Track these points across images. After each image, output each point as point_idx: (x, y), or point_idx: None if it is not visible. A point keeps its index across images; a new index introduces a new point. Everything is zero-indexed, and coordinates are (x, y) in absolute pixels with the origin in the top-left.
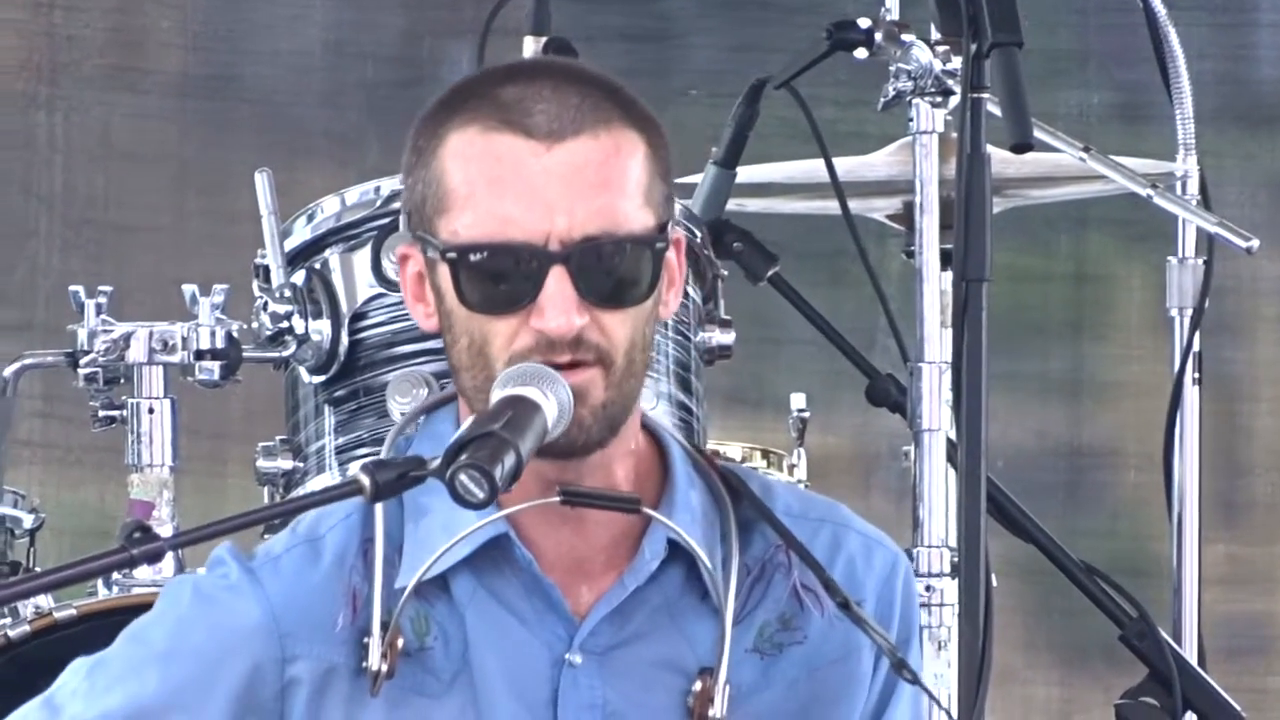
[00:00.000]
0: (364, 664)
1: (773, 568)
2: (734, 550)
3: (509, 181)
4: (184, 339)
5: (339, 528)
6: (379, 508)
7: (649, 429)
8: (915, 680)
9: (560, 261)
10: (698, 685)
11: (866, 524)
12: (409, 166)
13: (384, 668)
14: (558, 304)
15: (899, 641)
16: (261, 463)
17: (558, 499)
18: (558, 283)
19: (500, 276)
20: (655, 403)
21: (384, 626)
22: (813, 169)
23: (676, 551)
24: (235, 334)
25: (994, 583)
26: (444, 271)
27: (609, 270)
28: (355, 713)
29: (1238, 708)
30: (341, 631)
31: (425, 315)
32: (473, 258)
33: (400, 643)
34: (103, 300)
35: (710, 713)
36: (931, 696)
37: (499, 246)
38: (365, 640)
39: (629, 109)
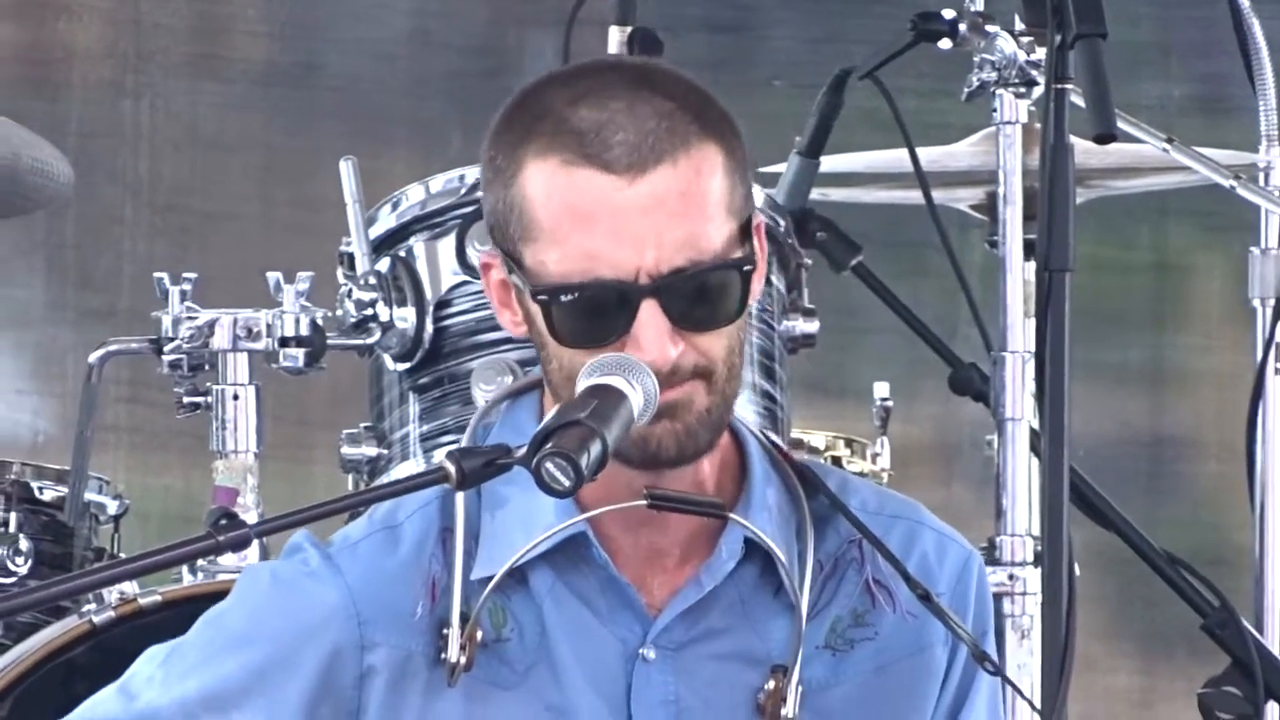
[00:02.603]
0: (442, 655)
1: (846, 563)
2: (809, 546)
3: (594, 219)
4: (268, 326)
5: (417, 516)
6: (460, 497)
7: (728, 424)
8: (997, 671)
9: (651, 294)
10: (770, 684)
11: (941, 522)
12: (487, 181)
13: (463, 659)
14: (652, 337)
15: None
16: (346, 449)
17: (644, 503)
18: (650, 315)
19: (592, 313)
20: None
21: (463, 618)
22: (896, 159)
23: (752, 548)
24: (319, 321)
25: (1076, 572)
26: (530, 300)
27: (699, 298)
28: (432, 703)
29: None
30: (420, 620)
31: (513, 323)
32: (564, 298)
33: (479, 635)
34: (187, 287)
35: (783, 712)
36: (1014, 687)
37: (589, 285)
38: (444, 631)
39: (703, 118)
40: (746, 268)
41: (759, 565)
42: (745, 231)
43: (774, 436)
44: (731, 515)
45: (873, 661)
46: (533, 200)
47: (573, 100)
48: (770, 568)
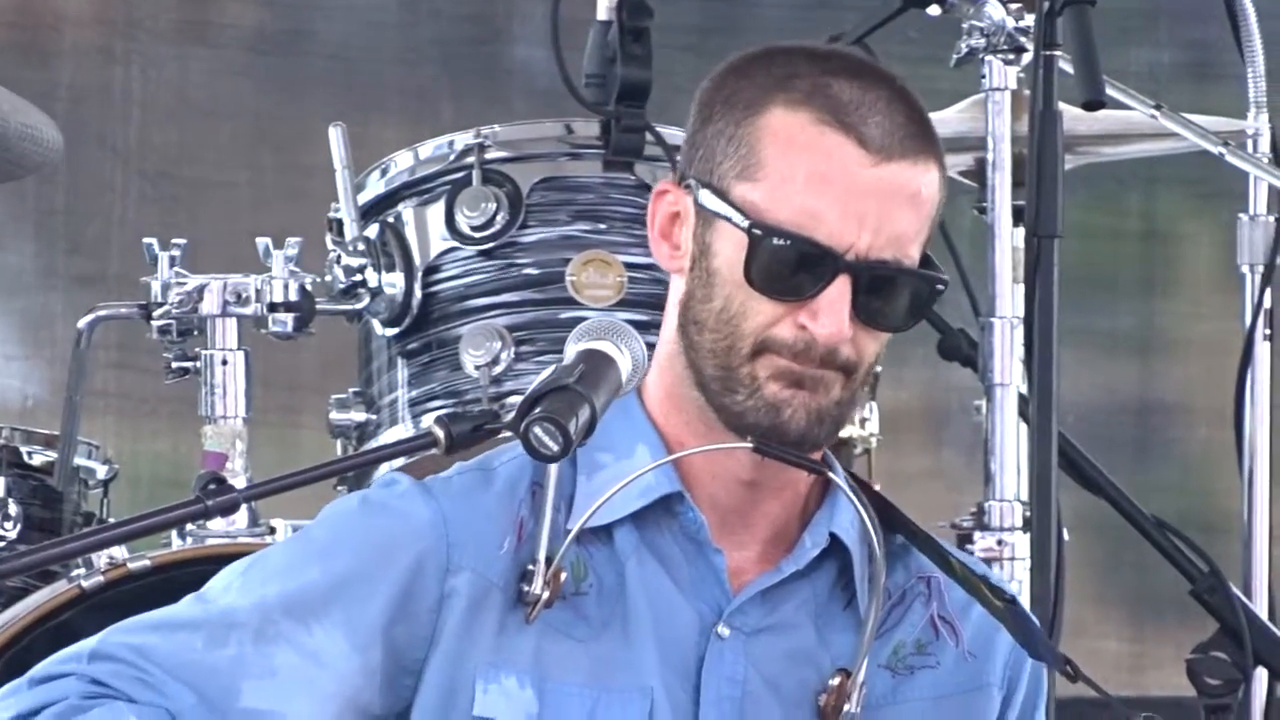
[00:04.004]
0: (524, 590)
1: (913, 595)
2: (881, 565)
3: (831, 183)
4: (257, 291)
5: (511, 464)
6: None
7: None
8: (1079, 675)
9: (850, 272)
10: (835, 680)
11: (1003, 579)
12: (707, 115)
13: (545, 595)
14: (836, 311)
15: (1029, 698)
16: (335, 415)
17: (749, 445)
18: (840, 292)
19: (794, 266)
20: None
21: (547, 561)
22: None
23: (831, 552)
24: (309, 287)
25: (1065, 537)
26: (729, 233)
27: (888, 295)
28: (505, 639)
29: None
30: (505, 555)
31: (670, 256)
32: (775, 241)
33: (562, 578)
34: (176, 253)
35: (845, 708)
36: (1096, 687)
37: (804, 241)
38: (529, 568)
39: (936, 139)
40: (939, 286)
41: (835, 571)
42: (925, 260)
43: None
44: (831, 474)
45: (931, 690)
46: (769, 143)
47: (830, 72)
48: (845, 577)
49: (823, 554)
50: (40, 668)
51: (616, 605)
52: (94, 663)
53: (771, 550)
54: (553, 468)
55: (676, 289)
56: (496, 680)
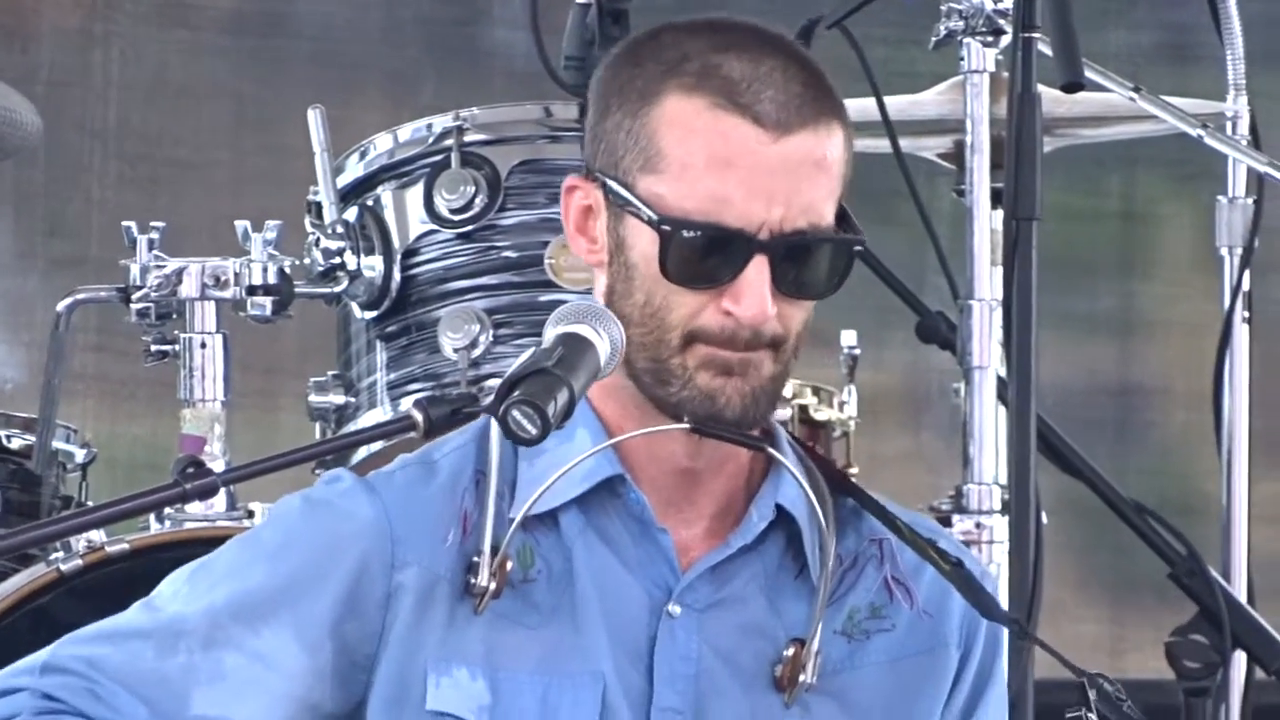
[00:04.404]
0: (471, 581)
1: (865, 559)
2: (831, 531)
3: (733, 166)
4: (236, 274)
5: (453, 454)
6: (494, 439)
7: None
8: (1037, 641)
9: (765, 251)
10: (789, 651)
11: (954, 538)
12: (604, 108)
13: (491, 586)
14: (756, 291)
15: (986, 654)
16: (313, 398)
17: (686, 426)
18: (758, 272)
19: (707, 255)
20: None
21: (493, 551)
22: (864, 108)
23: (779, 523)
24: (287, 270)
25: (1044, 520)
26: (640, 228)
27: (807, 264)
28: (455, 631)
29: None
30: (450, 548)
31: (588, 250)
32: (685, 233)
33: (508, 567)
34: (155, 236)
35: (801, 678)
36: (1051, 651)
37: (713, 227)
38: (474, 560)
39: (834, 98)
40: (857, 247)
41: (784, 541)
42: (841, 215)
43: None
44: (771, 450)
45: (887, 653)
46: (667, 135)
47: (720, 48)
48: (794, 546)
49: (771, 525)
50: None
51: (565, 590)
52: (45, 676)
53: (718, 524)
54: (494, 455)
55: (599, 283)
56: (448, 673)
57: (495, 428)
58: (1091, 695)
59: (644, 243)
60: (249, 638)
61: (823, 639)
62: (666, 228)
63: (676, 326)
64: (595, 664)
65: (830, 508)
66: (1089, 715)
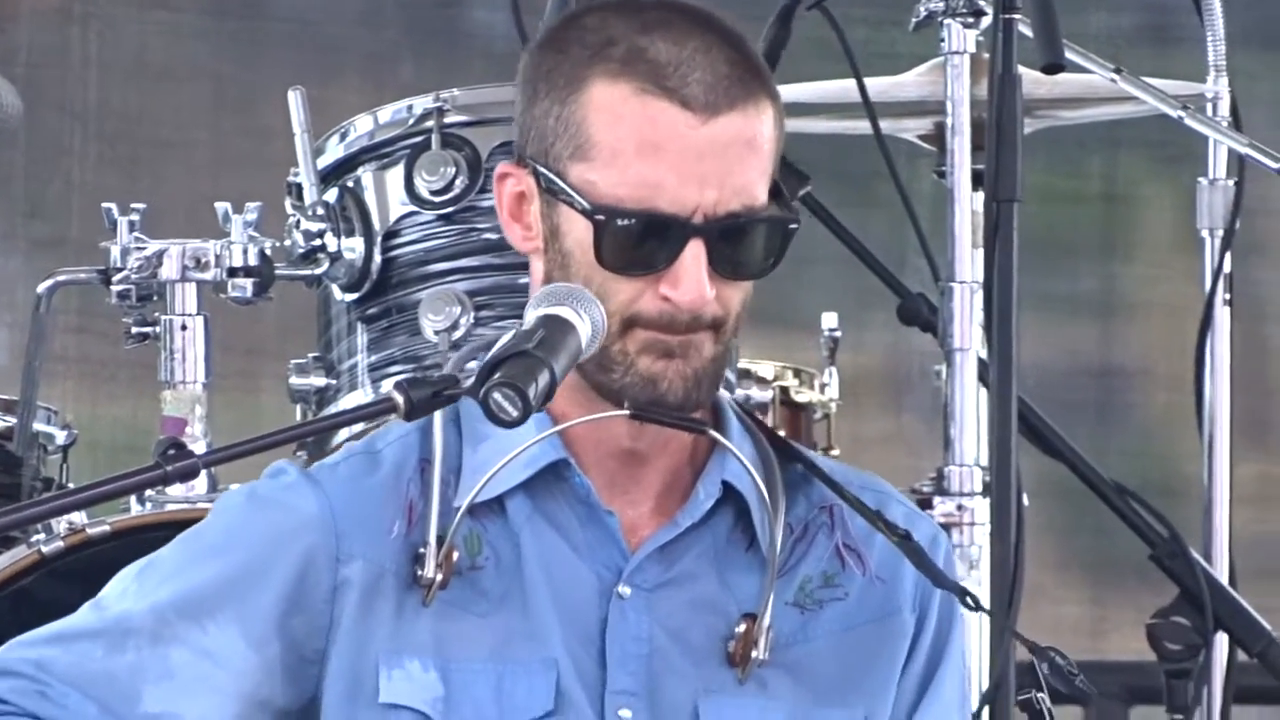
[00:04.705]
0: (418, 573)
1: (816, 528)
2: (780, 503)
3: (663, 151)
4: (217, 256)
5: (396, 444)
6: (438, 427)
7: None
8: (978, 606)
9: (700, 235)
10: (741, 627)
11: (907, 499)
12: (531, 95)
13: (438, 577)
14: (693, 276)
15: (943, 618)
16: (294, 380)
17: (626, 412)
18: (694, 256)
19: (642, 242)
20: None
21: (439, 541)
22: (844, 89)
23: (727, 498)
24: (268, 252)
25: (1025, 502)
26: (574, 218)
27: (743, 246)
28: (404, 623)
29: (1268, 628)
30: (395, 540)
31: (523, 238)
32: (619, 221)
33: (455, 557)
34: (136, 217)
35: (753, 655)
36: (1003, 623)
37: (647, 214)
38: (420, 551)
39: (763, 74)
40: (792, 225)
41: (732, 517)
42: (775, 190)
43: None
44: (713, 432)
45: (841, 622)
46: (595, 122)
47: (644, 30)
48: (743, 522)
49: (719, 500)
50: None
51: (514, 576)
52: None
53: (665, 502)
54: (438, 443)
55: (536, 269)
56: (400, 665)
57: (437, 418)
58: (1043, 669)
59: (578, 230)
60: (196, 634)
61: (775, 611)
62: (600, 217)
63: (615, 313)
64: (548, 650)
65: (778, 479)
66: (1039, 696)
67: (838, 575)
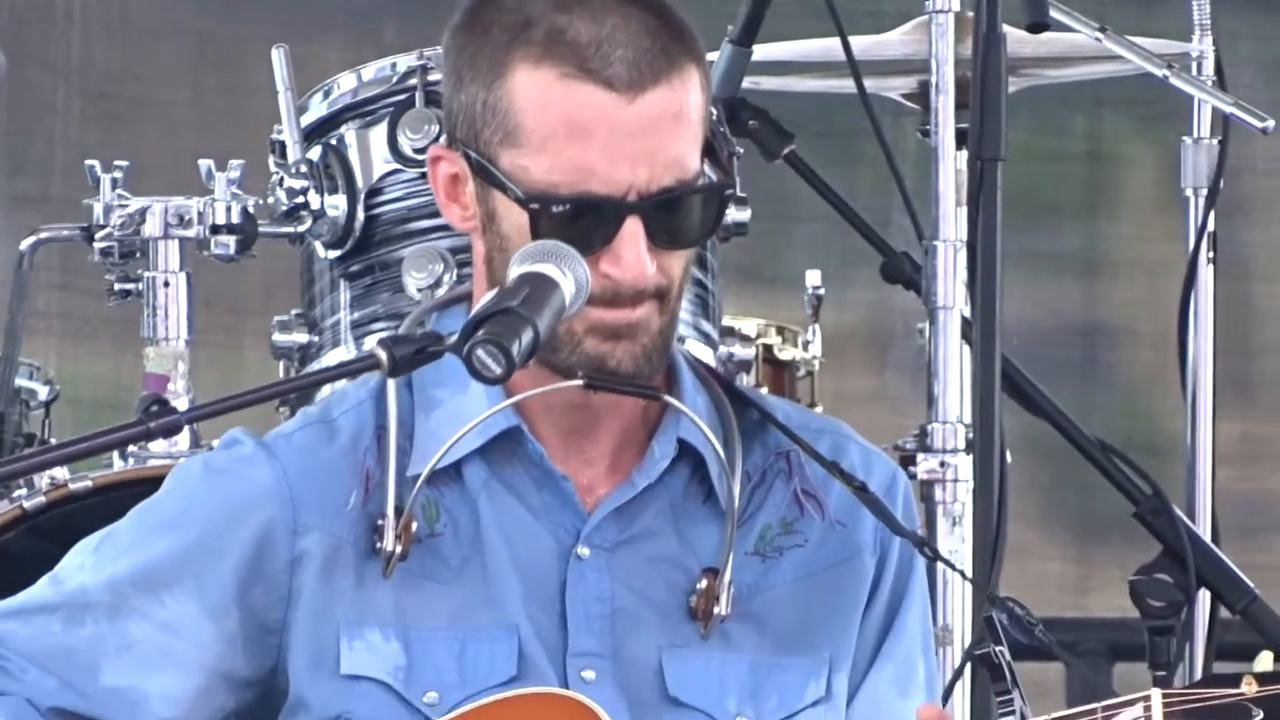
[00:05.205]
0: (376, 545)
1: (773, 474)
2: (737, 452)
3: (592, 134)
4: (200, 214)
5: (351, 413)
6: (392, 395)
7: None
8: (936, 555)
9: (637, 212)
10: (702, 583)
11: (864, 440)
12: (455, 80)
13: (398, 549)
14: (633, 252)
15: (903, 557)
16: (277, 336)
17: (579, 382)
18: (632, 233)
19: (579, 225)
20: None
21: (397, 511)
22: (829, 48)
23: (683, 454)
24: (251, 209)
25: (1009, 459)
26: (509, 204)
27: (680, 217)
28: (364, 594)
29: (1251, 584)
30: (352, 510)
31: (461, 218)
32: (555, 208)
33: (413, 527)
34: (119, 174)
35: (715, 610)
36: (952, 567)
37: (581, 198)
38: (378, 522)
39: (685, 38)
40: (728, 191)
41: (689, 470)
42: (708, 147)
43: (700, 352)
44: (667, 397)
45: (802, 568)
46: (523, 109)
47: (562, 7)
48: (700, 473)
49: (675, 457)
50: None
51: (473, 543)
52: None
53: (620, 460)
54: (393, 412)
55: (477, 248)
56: (361, 636)
57: (391, 385)
58: (1001, 618)
59: (515, 214)
60: (154, 607)
61: (736, 563)
62: (535, 205)
63: None
64: (509, 616)
65: (734, 430)
66: (997, 649)
67: (797, 521)
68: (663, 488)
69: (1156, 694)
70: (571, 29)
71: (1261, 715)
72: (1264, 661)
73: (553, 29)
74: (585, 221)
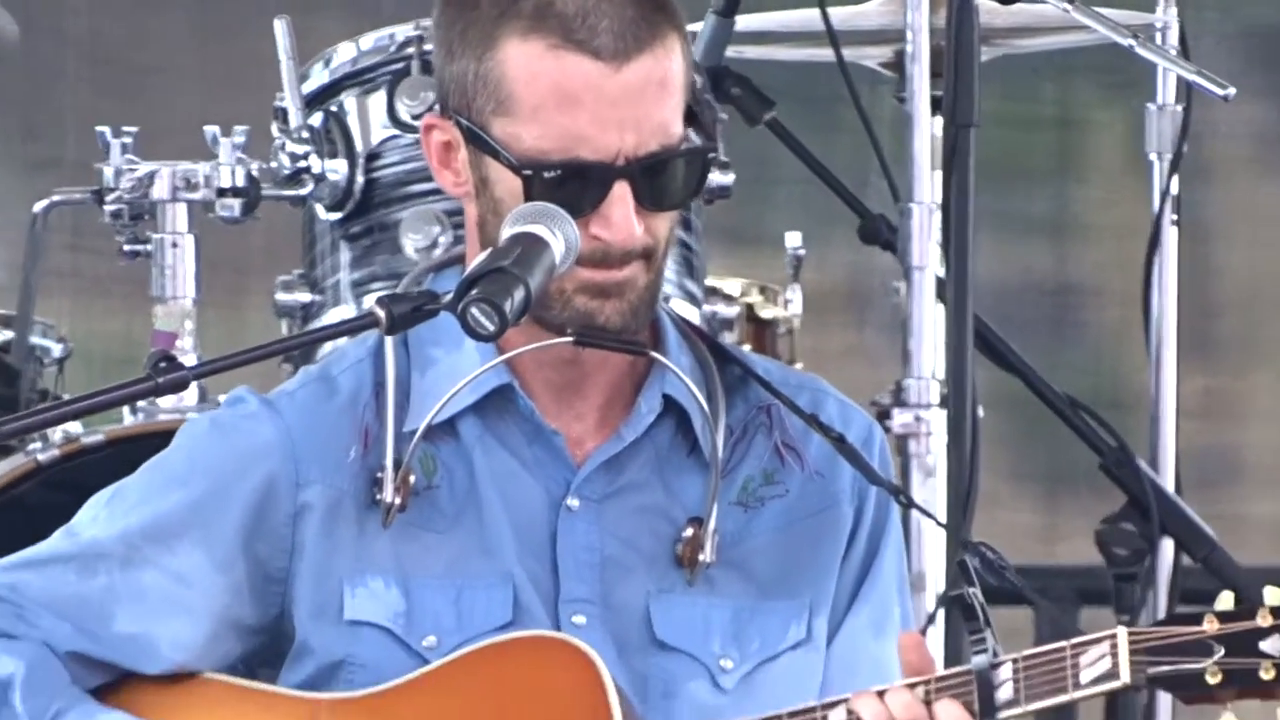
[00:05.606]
0: (376, 497)
1: (755, 428)
2: (720, 407)
3: (581, 103)
4: (206, 177)
5: (350, 371)
6: (390, 353)
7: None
8: (911, 503)
9: (624, 177)
10: (688, 532)
11: (842, 394)
12: (447, 52)
13: (397, 501)
14: (621, 214)
15: (879, 505)
16: (280, 295)
17: (570, 339)
18: (620, 196)
19: (569, 190)
20: None
21: (395, 465)
22: (808, 18)
23: (668, 409)
24: (255, 173)
25: (980, 413)
26: (502, 170)
27: (665, 180)
28: (365, 544)
29: (1211, 533)
30: (353, 464)
31: (454, 184)
32: (546, 174)
33: (411, 479)
34: (128, 140)
35: (700, 557)
36: (926, 513)
37: (571, 164)
38: (378, 475)
39: (667, 7)
40: (710, 154)
41: (674, 424)
42: (690, 113)
43: (685, 311)
44: (654, 354)
45: (783, 517)
46: (513, 79)
47: None
48: (684, 427)
49: (660, 411)
50: None
51: (468, 495)
52: None
53: (609, 414)
54: (390, 370)
55: (470, 213)
56: (363, 584)
57: (389, 343)
58: (974, 562)
59: (507, 180)
60: (165, 557)
61: (720, 512)
62: (528, 172)
63: None
64: (504, 564)
65: (717, 385)
66: (970, 590)
67: (778, 472)
68: (649, 441)
69: (1123, 631)
70: (559, 2)
71: (1223, 651)
72: (1225, 601)
73: (540, 2)
74: (575, 186)
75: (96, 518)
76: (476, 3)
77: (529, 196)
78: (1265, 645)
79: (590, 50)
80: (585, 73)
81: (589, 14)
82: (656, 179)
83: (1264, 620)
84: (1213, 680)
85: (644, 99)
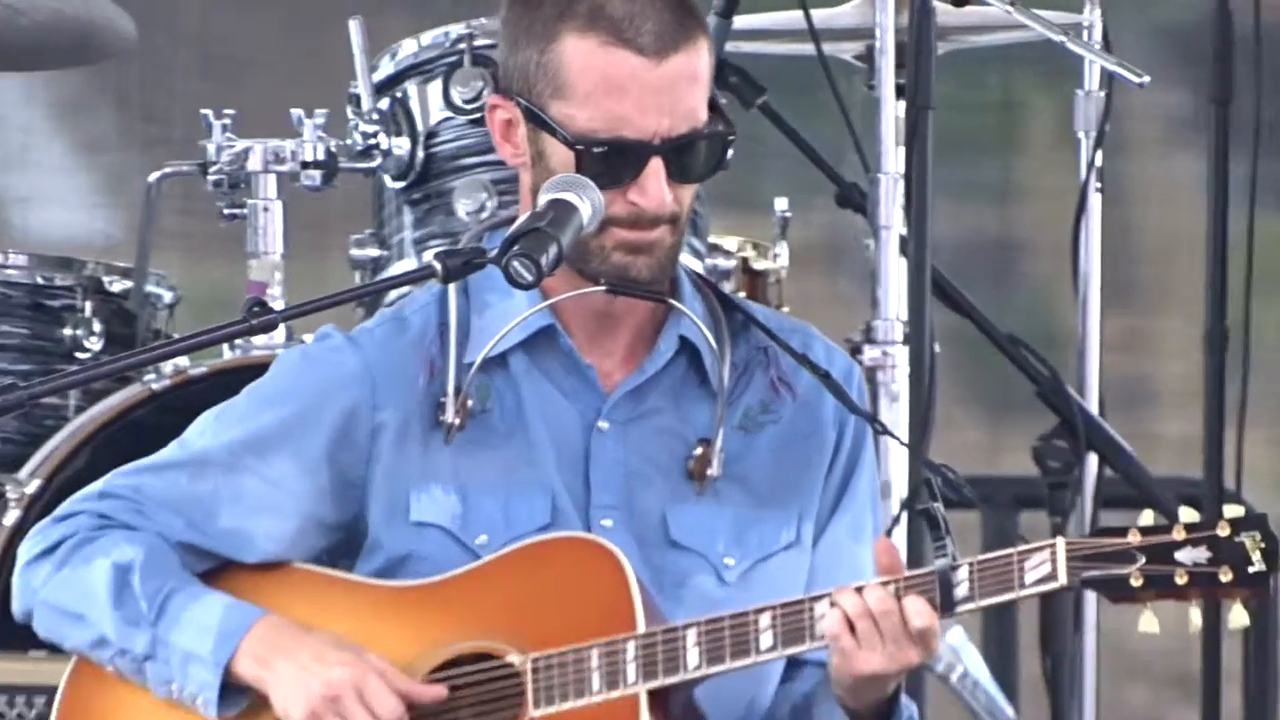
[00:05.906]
0: (439, 418)
1: (754, 365)
2: (726, 347)
3: (626, 91)
4: (292, 153)
5: (419, 312)
6: (452, 298)
7: None
8: (884, 430)
9: (660, 154)
10: (698, 450)
11: (826, 338)
12: (513, 42)
13: (457, 421)
14: (656, 185)
15: (857, 433)
16: (354, 251)
17: (603, 288)
18: (655, 170)
19: (614, 163)
20: None
21: (456, 391)
22: (793, 19)
23: (683, 348)
24: (333, 149)
25: (937, 349)
26: (556, 144)
27: (692, 156)
28: (429, 456)
29: (1130, 449)
30: (420, 390)
31: (513, 155)
32: (596, 149)
33: (469, 404)
34: (228, 121)
35: (708, 472)
36: (894, 436)
37: (616, 141)
38: (441, 400)
39: (695, 13)
40: (730, 137)
41: (688, 361)
42: (712, 104)
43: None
44: (672, 301)
45: (778, 440)
46: (571, 68)
47: None
48: (696, 363)
49: (676, 350)
50: (61, 507)
51: (517, 418)
52: (101, 500)
53: (635, 350)
54: (453, 312)
55: (525, 180)
56: (427, 490)
57: (451, 290)
58: (937, 482)
59: (561, 153)
60: (262, 466)
61: (725, 435)
62: (580, 146)
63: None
64: (545, 476)
65: (724, 329)
66: (934, 505)
67: (773, 403)
68: (666, 374)
69: (1060, 541)
70: (609, 5)
71: (1144, 559)
72: (1146, 517)
73: (594, 5)
74: (618, 160)
75: (204, 432)
76: (540, 3)
77: (580, 168)
78: (1180, 555)
79: (636, 47)
80: (631, 66)
81: (635, 17)
82: (685, 156)
83: (1179, 535)
84: (1135, 584)
85: (678, 89)
